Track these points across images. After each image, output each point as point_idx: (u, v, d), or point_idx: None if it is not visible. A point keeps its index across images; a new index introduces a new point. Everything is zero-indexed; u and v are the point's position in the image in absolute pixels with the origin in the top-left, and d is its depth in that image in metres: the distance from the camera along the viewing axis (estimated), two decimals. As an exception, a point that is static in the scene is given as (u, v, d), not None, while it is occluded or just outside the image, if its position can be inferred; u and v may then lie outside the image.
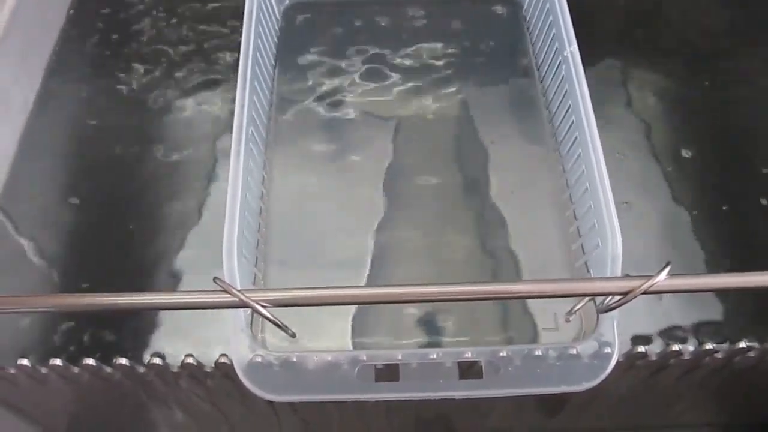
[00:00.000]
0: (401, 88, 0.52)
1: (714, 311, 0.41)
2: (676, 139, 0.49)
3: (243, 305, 0.29)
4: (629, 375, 0.38)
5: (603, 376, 0.34)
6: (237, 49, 0.45)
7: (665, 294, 0.40)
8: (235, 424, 0.47)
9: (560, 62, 0.46)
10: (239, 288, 0.30)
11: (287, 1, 0.56)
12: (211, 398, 0.41)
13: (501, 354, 0.35)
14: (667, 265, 0.30)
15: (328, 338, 0.41)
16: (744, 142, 0.49)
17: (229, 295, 0.29)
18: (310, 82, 0.52)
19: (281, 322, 0.31)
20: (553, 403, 0.41)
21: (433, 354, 0.35)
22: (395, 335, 0.41)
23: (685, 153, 0.49)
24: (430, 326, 0.41)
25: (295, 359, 0.35)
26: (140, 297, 0.31)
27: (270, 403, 0.40)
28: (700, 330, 0.41)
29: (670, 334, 0.40)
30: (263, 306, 0.29)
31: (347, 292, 0.30)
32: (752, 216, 0.46)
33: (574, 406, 0.41)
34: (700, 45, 0.55)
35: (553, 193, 0.46)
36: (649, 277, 0.29)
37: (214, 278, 0.30)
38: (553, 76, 0.47)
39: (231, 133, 0.40)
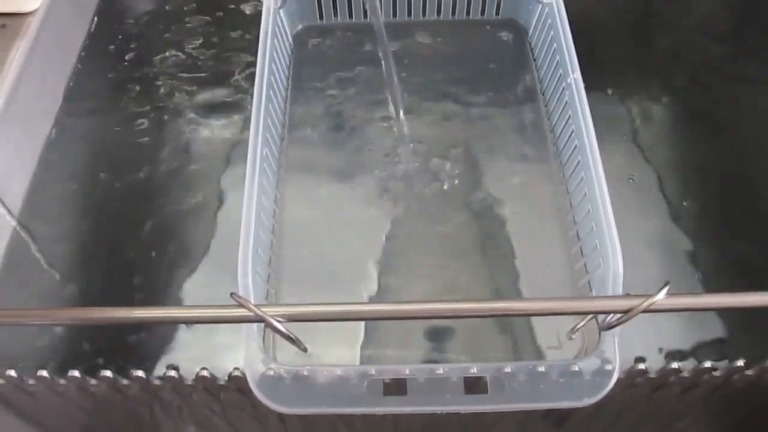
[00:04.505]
0: (410, 110, 0.53)
1: (713, 330, 0.43)
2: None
3: (258, 320, 0.31)
4: (630, 391, 0.39)
5: (604, 392, 0.35)
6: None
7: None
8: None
9: (564, 88, 0.47)
10: (254, 303, 0.31)
11: (299, 26, 0.58)
12: (224, 411, 0.42)
13: (506, 370, 0.36)
14: (666, 284, 0.31)
15: (337, 352, 0.42)
16: (745, 162, 0.51)
17: (245, 310, 0.31)
18: (322, 104, 0.54)
19: (295, 336, 0.32)
20: (556, 418, 0.42)
21: (440, 369, 0.36)
22: (403, 349, 0.42)
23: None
24: (436, 341, 0.42)
25: (306, 373, 0.36)
26: (158, 311, 0.32)
27: (281, 419, 0.41)
28: (699, 348, 0.42)
29: (670, 352, 0.42)
30: (278, 321, 0.31)
31: (359, 308, 0.31)
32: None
33: (577, 422, 0.42)
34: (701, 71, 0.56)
35: (557, 214, 0.47)
36: (649, 296, 0.31)
37: (231, 294, 0.31)
38: (557, 100, 0.49)
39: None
